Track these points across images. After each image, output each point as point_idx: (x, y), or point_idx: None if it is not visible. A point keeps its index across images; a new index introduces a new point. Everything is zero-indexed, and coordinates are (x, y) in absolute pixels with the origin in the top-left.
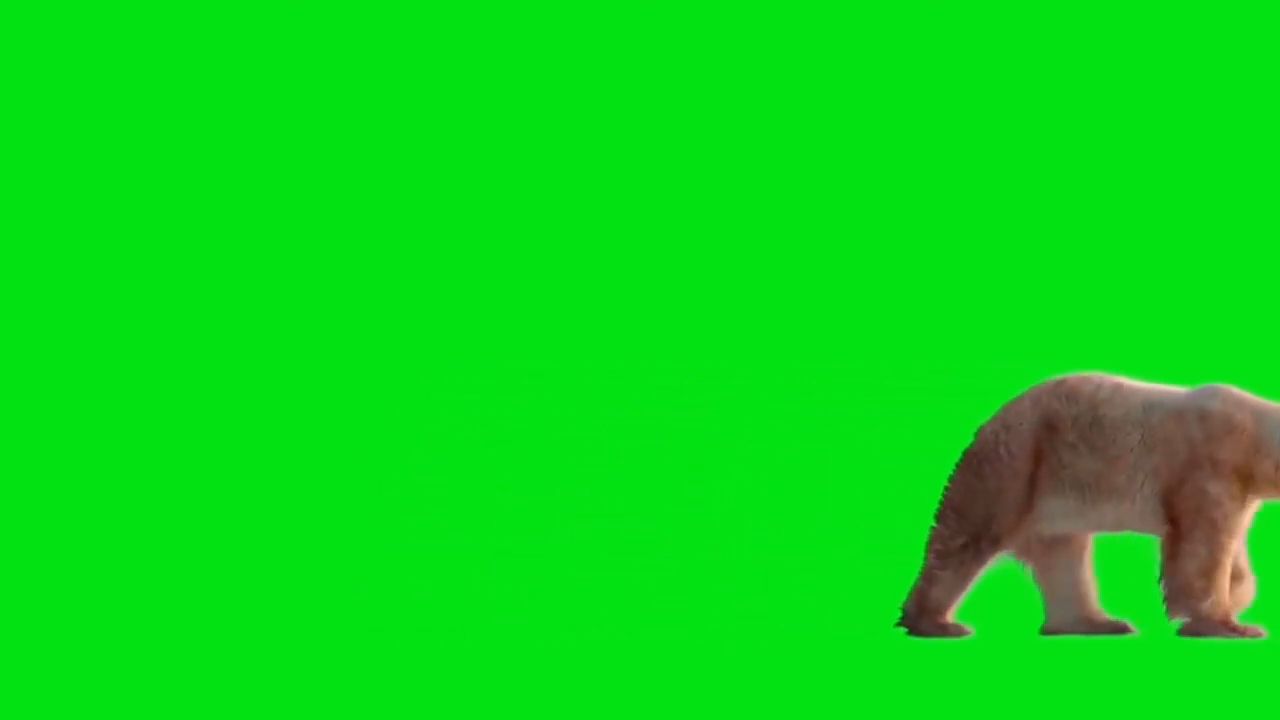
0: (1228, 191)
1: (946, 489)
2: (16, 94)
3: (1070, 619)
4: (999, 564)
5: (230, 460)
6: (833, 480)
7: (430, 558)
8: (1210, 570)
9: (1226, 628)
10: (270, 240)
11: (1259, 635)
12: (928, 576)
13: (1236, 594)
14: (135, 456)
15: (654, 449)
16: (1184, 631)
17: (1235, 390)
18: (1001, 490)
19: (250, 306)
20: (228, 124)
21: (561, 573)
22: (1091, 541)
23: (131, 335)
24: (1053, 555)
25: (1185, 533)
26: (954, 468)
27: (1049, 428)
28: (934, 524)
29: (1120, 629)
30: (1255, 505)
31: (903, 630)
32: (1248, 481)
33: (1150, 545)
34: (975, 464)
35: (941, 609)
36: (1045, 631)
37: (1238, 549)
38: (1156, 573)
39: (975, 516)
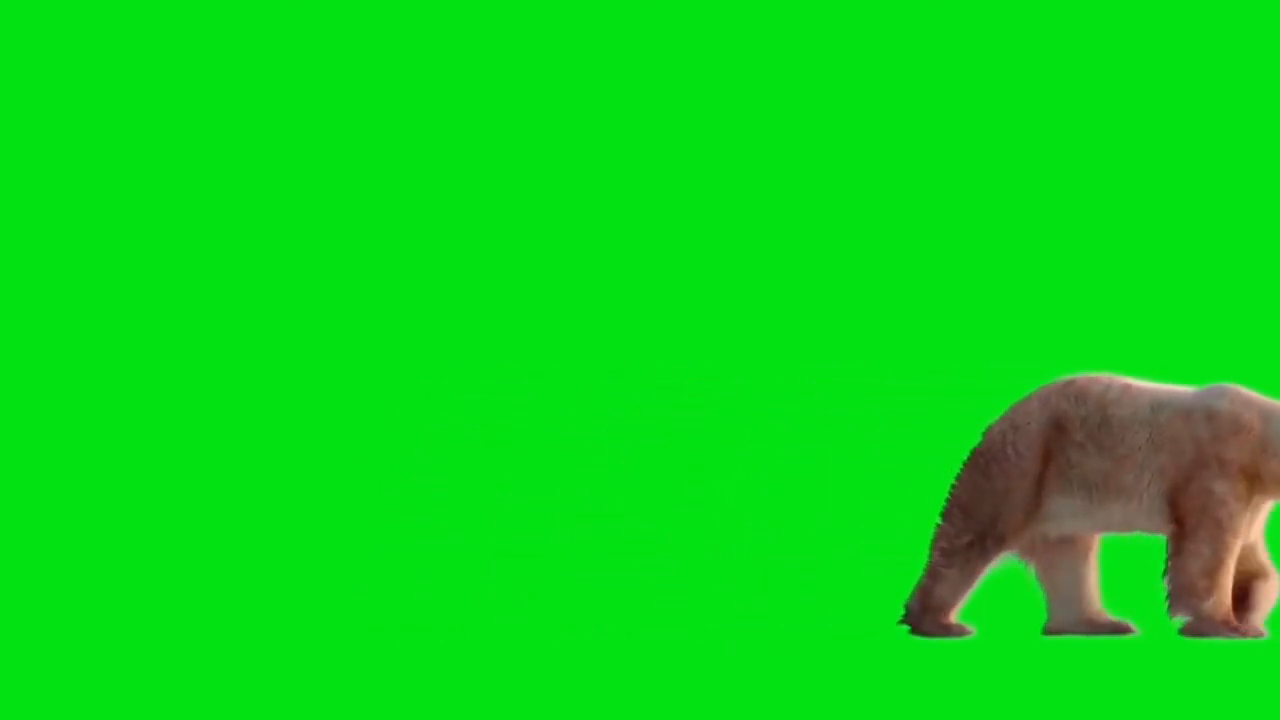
0: (1231, 191)
1: (953, 487)
2: (16, 94)
3: (1072, 619)
4: (1003, 564)
5: (231, 460)
6: (833, 480)
7: (430, 558)
8: (1213, 570)
9: (1228, 627)
10: (270, 241)
11: (1260, 635)
12: (932, 574)
13: (1264, 592)
14: (136, 457)
15: (654, 449)
16: (1185, 630)
17: (1243, 390)
18: (1009, 490)
19: (251, 307)
20: (228, 124)
21: (561, 573)
22: (1097, 542)
23: (132, 336)
24: (1057, 555)
25: (1190, 532)
26: (961, 466)
27: (1057, 428)
28: (940, 521)
29: (1121, 629)
30: (1268, 505)
31: (905, 628)
32: (1254, 481)
33: (1153, 546)
34: (983, 463)
35: (945, 608)
36: (1047, 631)
37: (1261, 549)
38: (1161, 572)
39: (982, 515)
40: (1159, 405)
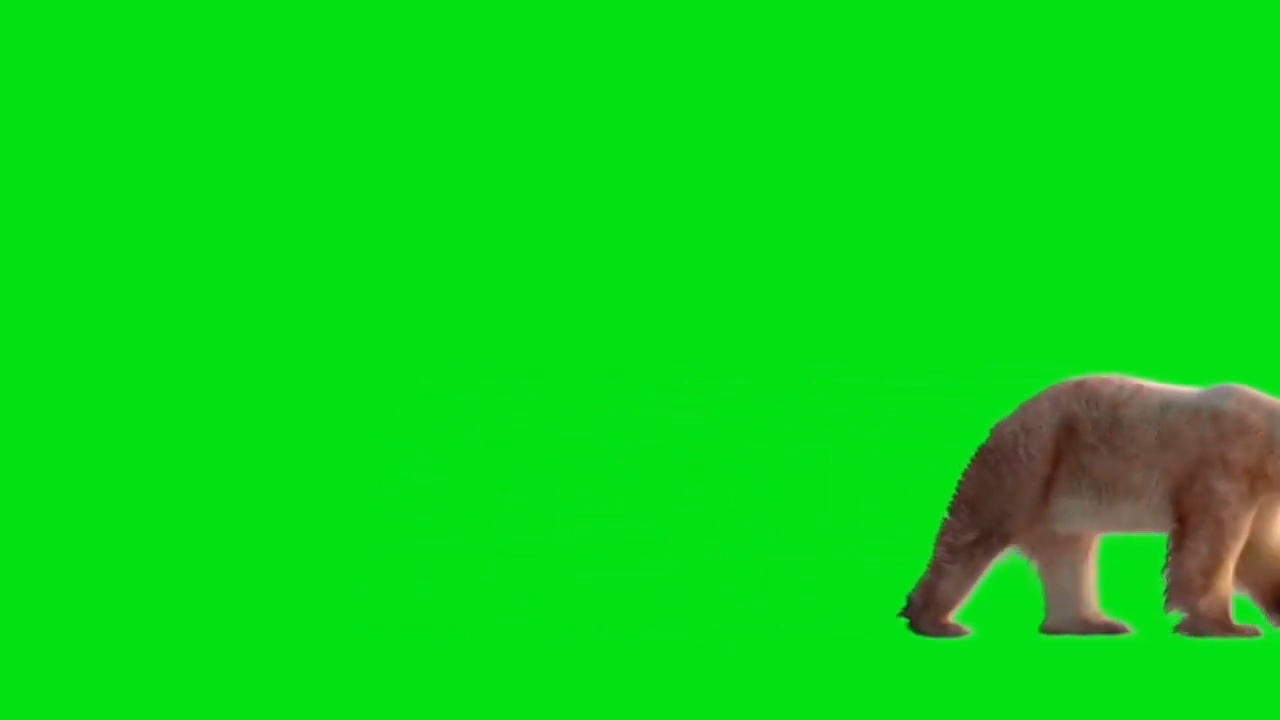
0: (1232, 191)
1: (961, 483)
2: (16, 94)
3: (1068, 619)
4: (1005, 559)
5: (231, 460)
6: (832, 480)
7: (430, 558)
8: (1211, 569)
9: (1221, 626)
10: (271, 241)
11: (1255, 635)
12: (936, 569)
13: None
14: (136, 457)
15: (654, 449)
16: (1181, 628)
17: (1250, 390)
18: (1018, 490)
19: (251, 307)
20: (228, 125)
21: (561, 573)
22: (1097, 542)
23: (132, 336)
24: (1059, 553)
25: (1190, 530)
26: (969, 463)
27: (1068, 430)
28: (946, 517)
29: (1117, 630)
30: None
31: (904, 621)
32: (1260, 481)
33: (1151, 547)
34: (993, 462)
35: (948, 605)
36: (1044, 630)
37: None
38: (1160, 572)
39: (989, 513)
40: (1167, 405)
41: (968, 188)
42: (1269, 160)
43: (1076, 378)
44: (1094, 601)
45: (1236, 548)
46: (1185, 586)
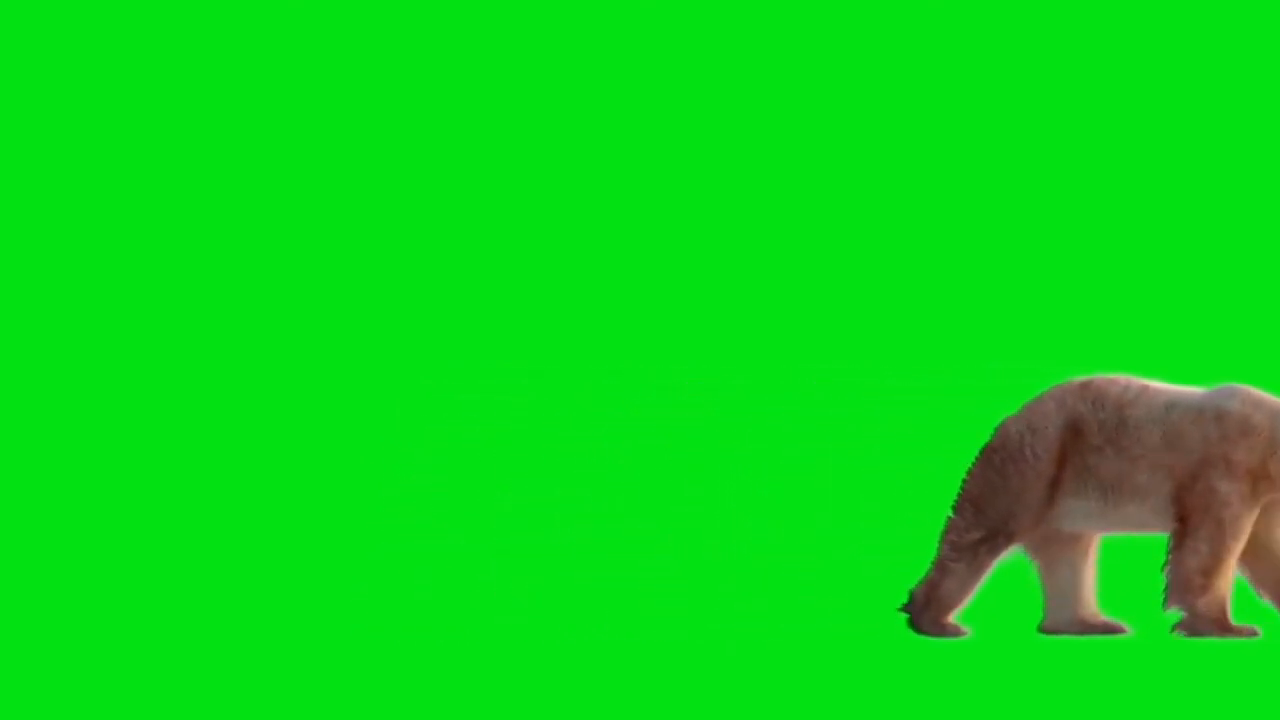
0: (1234, 190)
1: (965, 482)
2: (16, 94)
3: (1067, 619)
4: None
5: (231, 460)
6: (833, 480)
7: (430, 558)
8: (1210, 568)
9: (1219, 626)
10: (271, 241)
11: (1253, 635)
12: (940, 567)
13: None
14: (136, 457)
15: (654, 449)
16: (1179, 627)
17: (1254, 391)
18: (1023, 490)
19: (251, 307)
20: (227, 125)
21: (561, 573)
22: (1098, 542)
23: (132, 336)
24: (1060, 553)
25: (1191, 529)
26: (973, 461)
27: (1074, 431)
28: (950, 515)
29: (1114, 630)
30: None
31: (904, 617)
32: (1263, 482)
33: (1150, 547)
34: (998, 461)
35: (950, 604)
36: (1042, 630)
37: None
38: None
39: (994, 513)
40: (1172, 405)
41: (969, 187)
42: (1269, 160)
43: (1082, 378)
44: (1092, 602)
45: (1237, 548)
46: (1184, 585)
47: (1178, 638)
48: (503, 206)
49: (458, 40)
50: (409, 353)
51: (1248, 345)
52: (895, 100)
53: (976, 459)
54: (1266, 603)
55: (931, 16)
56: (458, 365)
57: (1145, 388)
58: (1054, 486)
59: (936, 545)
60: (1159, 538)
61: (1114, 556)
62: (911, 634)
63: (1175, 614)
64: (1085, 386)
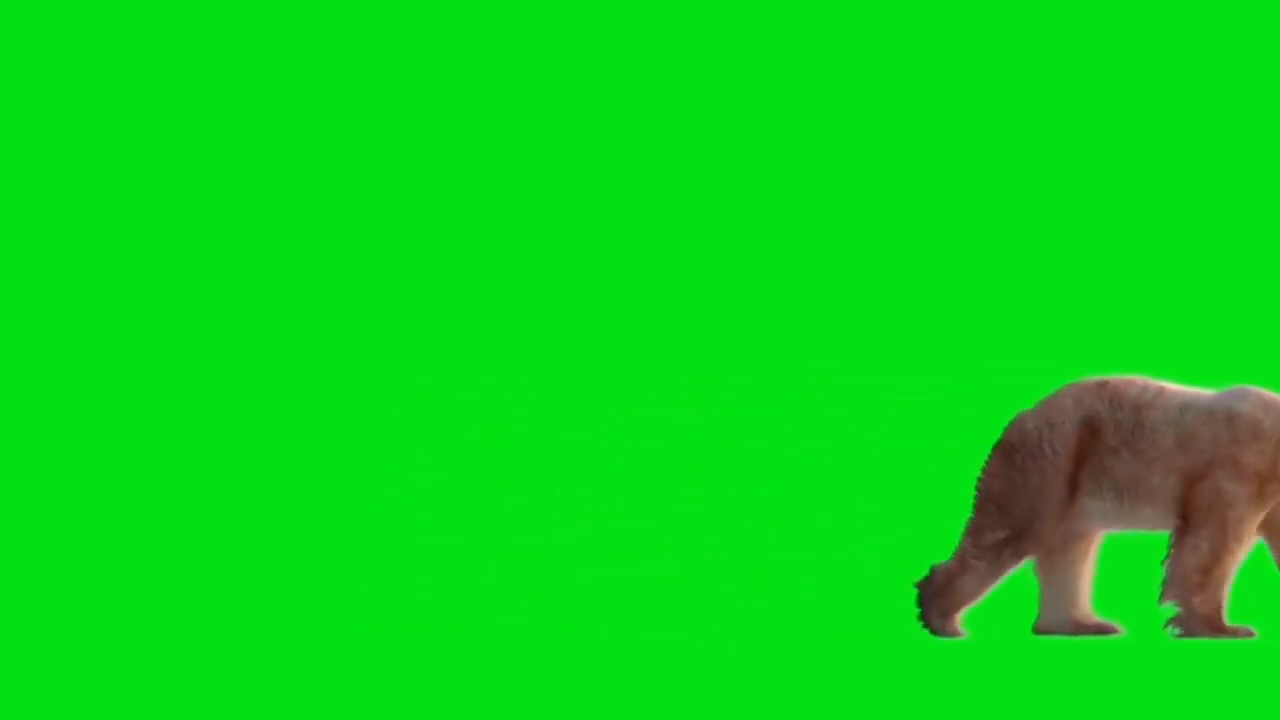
0: (1236, 190)
1: (982, 479)
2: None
3: (1061, 619)
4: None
5: (231, 460)
6: (832, 480)
7: (430, 558)
8: (1208, 567)
9: (1211, 626)
10: (270, 241)
11: (1249, 635)
12: (961, 562)
13: None
14: (136, 457)
15: (654, 449)
16: (1172, 623)
17: (1266, 393)
18: (1044, 487)
19: (251, 307)
20: (227, 125)
21: (561, 573)
22: (1099, 542)
23: (132, 337)
24: (1063, 552)
25: (1193, 527)
26: (988, 460)
27: (1091, 430)
28: (972, 514)
29: (1107, 630)
30: None
31: (915, 594)
32: (1270, 484)
33: (1150, 548)
34: (1018, 458)
35: (963, 600)
36: (1036, 629)
37: None
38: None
39: (1018, 512)
40: (1186, 407)
41: (970, 188)
42: (1267, 161)
43: (1099, 377)
44: (1087, 602)
45: (1239, 550)
46: (1181, 582)
47: (1170, 634)
48: (502, 207)
49: (457, 40)
50: (409, 353)
51: (1254, 346)
52: (897, 99)
53: (991, 456)
54: None
55: (932, 16)
56: (458, 365)
57: (1161, 390)
58: (1073, 484)
59: (958, 542)
60: (1159, 537)
61: (1111, 556)
62: (909, 633)
63: (1170, 609)
64: (1102, 386)
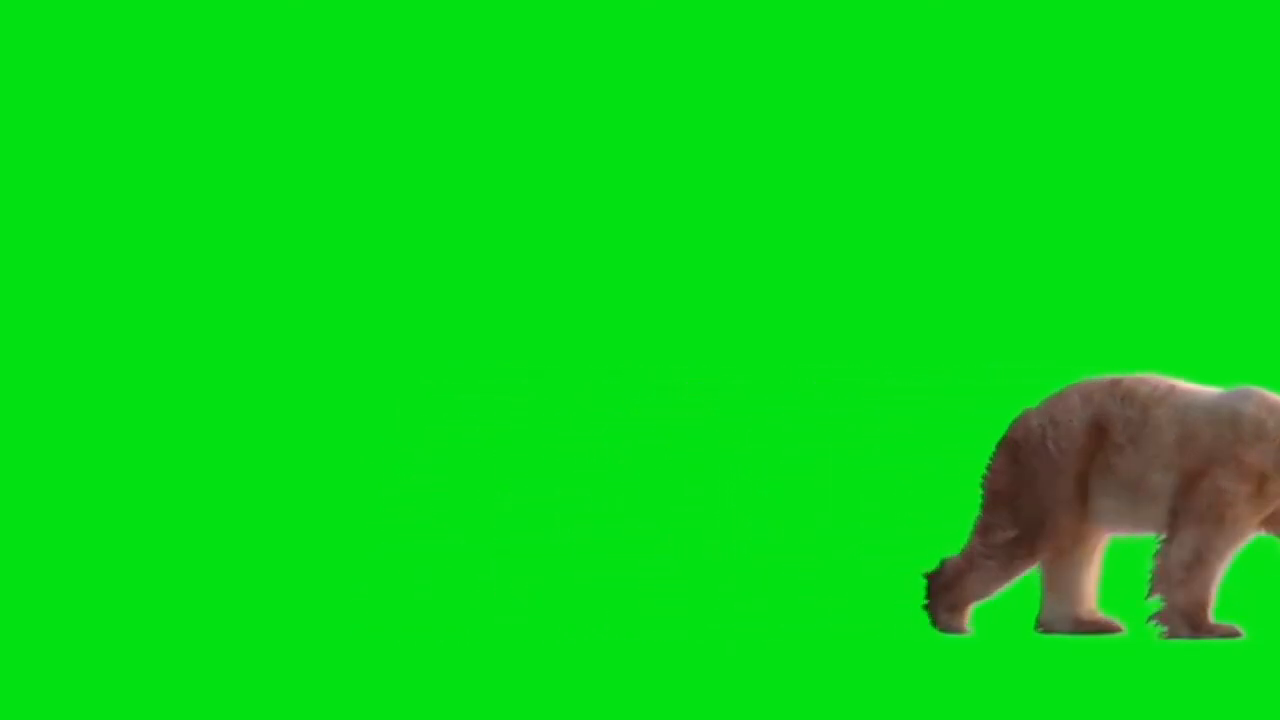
0: (1239, 189)
1: (987, 478)
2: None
3: (1062, 616)
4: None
5: (230, 460)
6: (831, 480)
7: (430, 558)
8: (1194, 564)
9: (1191, 625)
10: (270, 241)
11: (1233, 635)
12: (970, 559)
13: None
14: (136, 457)
15: (654, 449)
16: (1154, 617)
17: (1270, 394)
18: (1051, 485)
19: (250, 307)
20: (227, 124)
21: (561, 573)
22: (1105, 542)
23: (132, 336)
24: (1069, 552)
25: (1185, 523)
26: (992, 459)
27: (1100, 428)
28: (980, 512)
29: (1109, 629)
30: None
31: (918, 588)
32: (1270, 483)
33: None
34: (1023, 457)
35: (972, 598)
36: (1038, 626)
37: None
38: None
39: (1027, 510)
40: (1191, 405)
41: (975, 186)
42: (1269, 161)
43: (1110, 375)
44: (1091, 601)
45: (1229, 550)
46: (1165, 577)
47: (1153, 629)
48: (501, 207)
49: (456, 40)
50: (409, 353)
51: (1260, 346)
52: (901, 96)
53: (996, 454)
54: None
55: (934, 15)
56: (458, 365)
57: (1172, 388)
58: (1082, 483)
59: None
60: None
61: (1114, 554)
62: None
63: (1156, 604)
64: (1115, 384)
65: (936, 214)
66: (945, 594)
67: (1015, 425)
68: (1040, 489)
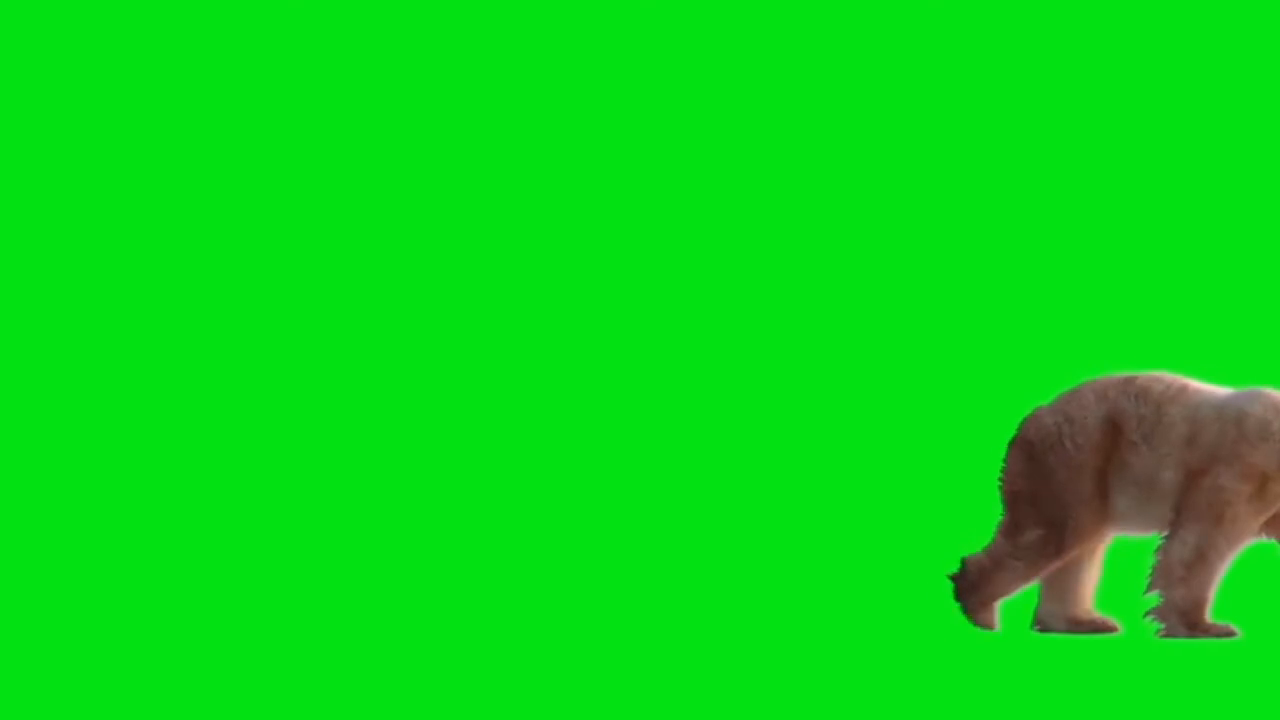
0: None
1: (1004, 479)
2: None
3: (1058, 615)
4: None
5: (229, 460)
6: (831, 481)
7: (430, 557)
8: (1194, 561)
9: (1187, 623)
10: (269, 241)
11: (1229, 635)
12: (996, 560)
13: None
14: (134, 457)
15: (654, 449)
16: (1150, 613)
17: (1278, 395)
18: (1070, 482)
19: (249, 307)
20: (226, 124)
21: (561, 573)
22: (1107, 543)
23: (130, 336)
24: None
25: (1185, 521)
26: (1006, 459)
27: (1114, 426)
28: (1004, 513)
29: (1106, 628)
30: None
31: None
32: (1273, 484)
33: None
34: (1038, 454)
35: (997, 595)
36: (1035, 624)
37: None
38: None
39: (1049, 509)
40: (1201, 404)
41: (980, 185)
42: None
43: (1125, 374)
44: (1089, 600)
45: (1229, 549)
46: (1163, 574)
47: (1149, 623)
48: (501, 207)
49: (455, 39)
50: (409, 353)
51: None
52: (905, 95)
53: (1010, 454)
54: None
55: (938, 14)
56: (458, 365)
57: (1185, 387)
58: (1102, 481)
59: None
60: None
61: (1114, 554)
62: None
63: (1153, 600)
64: (1129, 382)
65: (942, 211)
66: (974, 593)
67: (1028, 424)
68: (1059, 487)
